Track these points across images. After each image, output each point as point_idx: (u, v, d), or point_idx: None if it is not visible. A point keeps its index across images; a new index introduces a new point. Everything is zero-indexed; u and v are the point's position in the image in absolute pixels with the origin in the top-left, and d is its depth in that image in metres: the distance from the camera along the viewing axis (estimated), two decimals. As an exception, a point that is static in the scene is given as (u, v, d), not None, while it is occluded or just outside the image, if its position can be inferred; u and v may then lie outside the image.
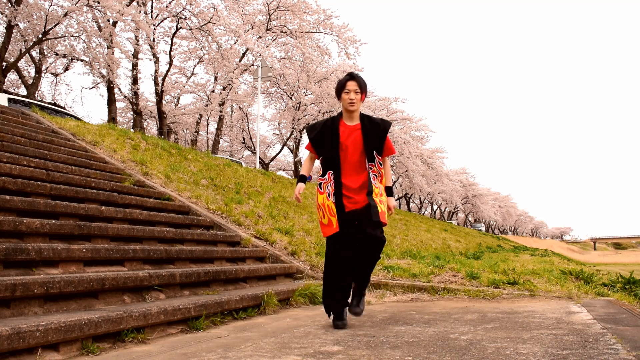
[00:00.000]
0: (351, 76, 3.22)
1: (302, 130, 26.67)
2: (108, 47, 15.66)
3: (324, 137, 3.23)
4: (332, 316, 3.29)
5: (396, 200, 42.04)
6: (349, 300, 3.30)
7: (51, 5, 15.14)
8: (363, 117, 3.28)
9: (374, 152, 3.20)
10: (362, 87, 3.21)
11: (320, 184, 3.24)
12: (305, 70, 21.81)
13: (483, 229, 50.00)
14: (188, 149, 10.99)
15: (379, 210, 3.07)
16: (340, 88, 3.23)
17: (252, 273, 4.63)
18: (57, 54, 17.27)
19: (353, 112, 3.24)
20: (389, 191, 3.30)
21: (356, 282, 3.28)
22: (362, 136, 3.19)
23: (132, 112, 20.65)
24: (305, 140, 27.40)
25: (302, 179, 3.39)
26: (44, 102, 15.02)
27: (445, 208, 53.17)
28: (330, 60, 22.79)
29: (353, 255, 3.18)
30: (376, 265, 5.42)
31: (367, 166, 3.20)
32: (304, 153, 28.40)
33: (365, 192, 3.15)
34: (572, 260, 27.52)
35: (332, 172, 3.19)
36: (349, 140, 3.19)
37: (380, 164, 3.25)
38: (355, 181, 3.17)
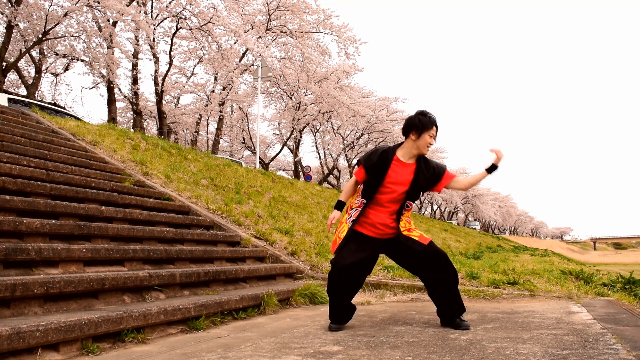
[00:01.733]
0: (434, 122, 3.05)
1: (302, 130, 26.67)
2: (108, 47, 15.66)
3: (377, 168, 3.06)
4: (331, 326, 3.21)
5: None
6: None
7: (51, 5, 15.14)
8: (419, 157, 3.11)
9: (421, 192, 3.11)
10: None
11: (349, 208, 3.19)
12: (305, 70, 21.80)
13: (478, 227, 49.89)
14: (188, 149, 10.99)
15: (415, 238, 3.04)
16: (422, 129, 3.01)
17: (252, 273, 4.63)
18: (57, 54, 17.27)
19: (418, 155, 3.09)
20: (491, 167, 3.15)
21: (449, 308, 3.11)
22: (414, 174, 3.04)
23: (132, 112, 20.65)
24: (305, 140, 27.39)
25: (340, 205, 3.24)
26: (44, 102, 15.02)
27: (445, 208, 53.17)
28: (330, 60, 22.79)
29: (355, 278, 3.14)
30: (378, 266, 5.42)
31: (404, 204, 3.08)
32: (304, 154, 28.40)
33: (393, 226, 3.08)
34: (572, 260, 27.53)
35: (365, 201, 3.08)
36: (396, 176, 3.04)
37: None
38: (381, 216, 3.08)
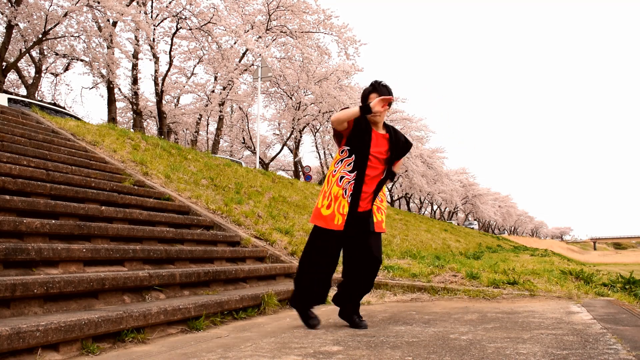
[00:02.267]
0: (373, 87, 3.09)
1: (302, 130, 26.66)
2: (108, 47, 15.66)
3: (360, 130, 3.06)
4: (302, 314, 3.21)
5: (396, 200, 42.05)
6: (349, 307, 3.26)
7: (51, 5, 15.14)
8: (388, 127, 3.19)
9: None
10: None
11: (342, 177, 3.08)
12: (305, 70, 21.80)
13: (476, 227, 49.81)
14: (188, 149, 10.99)
15: (375, 220, 3.09)
16: (363, 99, 3.12)
17: (252, 273, 4.63)
18: (57, 54, 17.27)
19: (377, 123, 3.15)
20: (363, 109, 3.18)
21: (359, 293, 3.21)
22: (388, 146, 3.11)
23: (132, 112, 20.65)
24: (305, 140, 27.40)
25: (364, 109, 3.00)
26: (44, 102, 15.02)
27: (445, 208, 53.16)
28: (330, 60, 22.80)
29: (347, 258, 3.18)
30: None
31: (383, 174, 3.14)
32: (304, 154, 28.40)
33: (370, 199, 3.12)
34: (572, 260, 27.52)
35: (357, 172, 3.06)
36: (377, 148, 3.09)
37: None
38: (370, 188, 3.11)
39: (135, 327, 2.79)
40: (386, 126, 3.20)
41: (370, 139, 3.07)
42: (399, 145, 3.16)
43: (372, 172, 3.09)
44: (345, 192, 3.07)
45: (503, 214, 68.69)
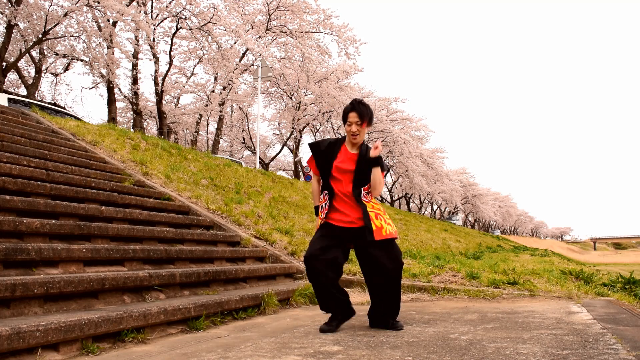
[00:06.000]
0: (352, 106, 3.10)
1: (302, 130, 26.66)
2: (108, 47, 15.65)
3: (327, 155, 3.16)
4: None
5: (396, 200, 42.05)
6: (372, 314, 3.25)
7: (51, 5, 15.14)
8: (362, 147, 3.20)
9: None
10: (363, 117, 3.10)
11: (319, 207, 3.22)
12: (305, 70, 21.80)
13: (460, 222, 49.42)
14: (188, 149, 10.99)
15: (373, 228, 3.02)
16: (343, 118, 3.16)
17: (252, 273, 4.63)
18: (57, 54, 17.26)
19: (355, 144, 3.16)
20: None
21: (384, 308, 3.15)
22: (357, 163, 3.12)
23: (132, 112, 20.64)
24: (305, 140, 27.44)
25: (317, 210, 3.28)
26: (44, 102, 15.02)
27: (445, 208, 53.14)
28: (330, 60, 22.79)
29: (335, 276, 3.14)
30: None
31: (359, 189, 3.11)
32: (304, 154, 28.42)
33: (357, 210, 3.09)
34: (572, 260, 27.53)
35: (327, 192, 3.16)
36: (344, 164, 3.12)
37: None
38: (344, 205, 3.11)
39: (135, 327, 2.79)
40: (362, 147, 3.20)
41: (334, 157, 3.14)
42: (366, 160, 3.14)
43: (338, 186, 3.13)
44: (322, 212, 3.17)
45: (503, 214, 68.69)
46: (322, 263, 3.05)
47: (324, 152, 3.18)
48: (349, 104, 3.15)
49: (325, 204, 3.16)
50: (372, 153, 3.07)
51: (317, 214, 3.26)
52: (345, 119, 3.13)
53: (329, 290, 3.08)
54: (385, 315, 3.14)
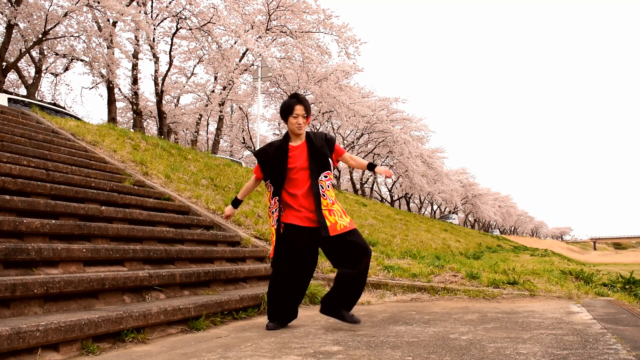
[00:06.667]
0: (298, 100, 3.15)
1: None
2: (108, 47, 15.66)
3: (277, 161, 3.16)
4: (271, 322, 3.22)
5: (396, 200, 42.04)
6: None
7: (51, 5, 15.14)
8: (307, 134, 3.23)
9: (329, 159, 3.17)
10: (308, 111, 3.17)
11: (270, 214, 3.23)
12: (305, 70, 21.80)
13: (456, 221, 49.31)
14: (188, 149, 10.99)
15: (327, 224, 3.01)
16: (287, 111, 3.15)
17: (252, 273, 4.63)
18: (57, 54, 17.27)
19: (300, 135, 3.19)
20: (371, 165, 3.35)
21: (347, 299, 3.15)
22: (307, 150, 3.14)
23: (132, 112, 20.65)
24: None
25: (235, 202, 3.50)
26: (44, 102, 15.02)
27: (445, 208, 53.13)
28: (330, 60, 22.78)
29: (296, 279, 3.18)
30: (374, 265, 5.42)
31: (317, 181, 3.10)
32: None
33: (313, 212, 3.09)
34: (572, 260, 27.53)
35: (278, 198, 3.16)
36: (297, 162, 3.13)
37: (334, 168, 3.29)
38: (303, 199, 3.11)
39: (135, 327, 2.79)
40: (306, 135, 3.22)
41: (286, 159, 3.13)
42: (319, 146, 3.17)
43: (292, 184, 3.13)
44: (273, 221, 3.20)
45: (503, 214, 68.67)
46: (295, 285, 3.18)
47: (273, 158, 3.18)
48: (292, 98, 3.18)
49: (276, 210, 3.17)
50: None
51: (233, 205, 3.49)
52: (290, 111, 3.13)
53: (287, 305, 3.23)
54: (339, 305, 3.11)
